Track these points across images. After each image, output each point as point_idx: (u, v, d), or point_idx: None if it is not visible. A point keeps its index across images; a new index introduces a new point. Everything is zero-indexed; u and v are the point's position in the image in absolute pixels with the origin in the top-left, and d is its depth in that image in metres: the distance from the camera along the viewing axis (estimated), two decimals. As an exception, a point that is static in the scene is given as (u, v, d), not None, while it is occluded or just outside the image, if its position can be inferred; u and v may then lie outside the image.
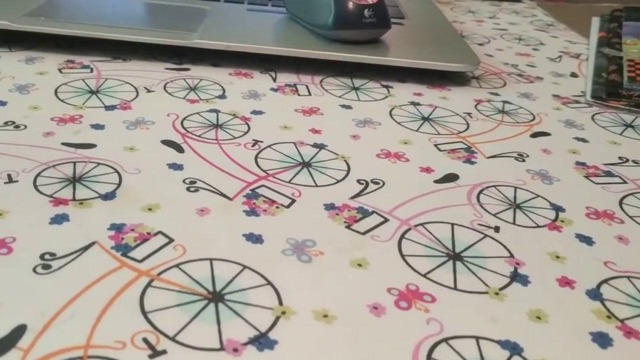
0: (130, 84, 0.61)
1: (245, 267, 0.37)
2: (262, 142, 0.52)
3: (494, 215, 0.44)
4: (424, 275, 0.38)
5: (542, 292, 0.37)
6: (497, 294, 0.37)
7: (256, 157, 0.49)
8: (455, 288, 0.37)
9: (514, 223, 0.44)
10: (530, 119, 0.62)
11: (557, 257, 0.40)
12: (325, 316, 0.33)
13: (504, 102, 0.66)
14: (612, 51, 0.79)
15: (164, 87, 0.61)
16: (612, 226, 0.45)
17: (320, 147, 0.52)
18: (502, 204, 0.46)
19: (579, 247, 0.42)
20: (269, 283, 0.35)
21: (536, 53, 0.84)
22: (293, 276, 0.36)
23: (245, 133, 0.53)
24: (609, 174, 0.52)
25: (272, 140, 0.52)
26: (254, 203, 0.43)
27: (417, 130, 0.57)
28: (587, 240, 0.43)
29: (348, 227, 0.41)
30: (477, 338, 0.33)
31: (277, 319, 0.33)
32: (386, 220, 0.43)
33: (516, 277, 0.38)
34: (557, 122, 0.62)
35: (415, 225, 0.42)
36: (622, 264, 0.40)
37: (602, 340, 0.34)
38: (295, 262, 0.37)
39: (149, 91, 0.59)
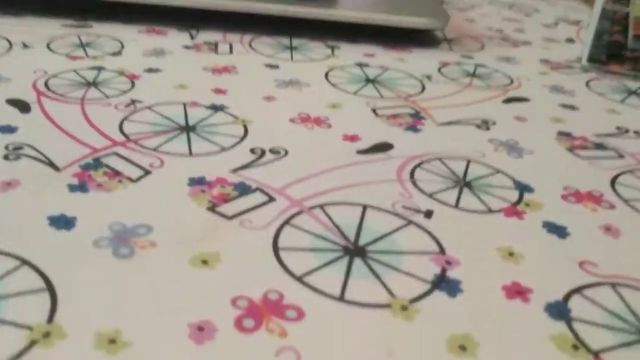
0: (7, 39, 0.49)
1: (25, 262, 0.24)
2: (141, 102, 0.39)
3: (430, 195, 0.31)
4: (299, 279, 0.25)
5: (478, 307, 0.24)
6: (404, 308, 0.24)
7: (123, 120, 0.37)
8: (341, 298, 0.24)
9: (456, 206, 0.31)
10: (507, 83, 0.49)
11: (511, 254, 0.27)
12: (113, 342, 0.21)
13: (478, 65, 0.52)
14: (617, 6, 0.66)
15: (48, 43, 0.49)
16: (598, 212, 0.31)
17: (217, 108, 0.39)
18: (445, 182, 0.33)
19: (546, 240, 0.29)
20: (49, 288, 0.23)
21: (528, 20, 0.71)
22: (91, 278, 0.24)
23: (125, 92, 0.41)
24: (600, 146, 0.39)
25: (156, 100, 0.40)
26: (90, 175, 0.30)
27: (354, 93, 0.44)
28: (559, 231, 0.30)
29: (211, 208, 0.29)
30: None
31: (31, 344, 0.20)
32: (272, 199, 0.30)
33: (441, 283, 0.25)
34: (541, 87, 0.49)
35: (311, 208, 0.29)
36: (606, 265, 0.27)
37: (559, 387, 0.21)
38: (107, 257, 0.25)
39: (25, 47, 0.47)
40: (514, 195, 0.33)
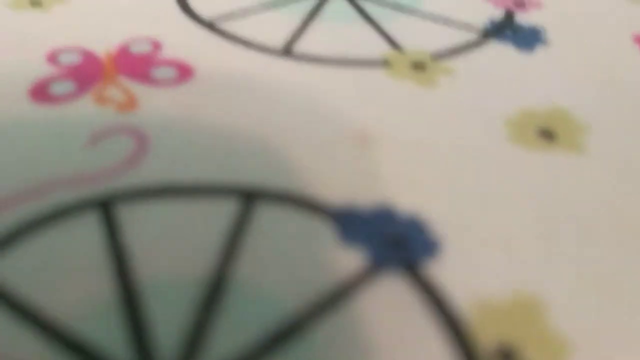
0: None
1: None
2: None
3: None
4: (209, 25, 0.12)
5: (576, 67, 0.11)
6: (419, 66, 0.11)
7: None
8: (286, 52, 0.11)
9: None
10: None
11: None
12: None
13: None
14: None
15: None
16: None
17: None
18: None
19: None
20: None
21: None
22: None
23: None
24: None
25: None
26: None
27: None
28: None
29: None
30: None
31: None
32: None
33: (503, 31, 0.12)
34: None
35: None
36: None
37: None
38: None
39: None
40: None
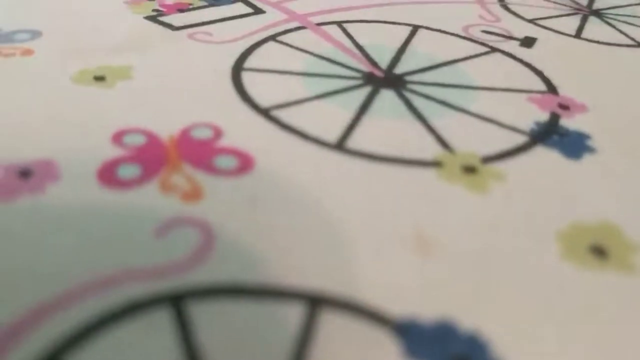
0: None
1: None
2: None
3: (530, 21, 0.18)
4: (264, 111, 0.13)
5: (628, 179, 0.11)
6: (470, 170, 0.11)
7: None
8: (339, 146, 0.12)
9: (576, 36, 0.18)
10: None
11: None
12: None
13: None
14: None
15: None
16: None
17: None
18: (559, 7, 0.20)
19: None
20: None
21: None
22: None
23: None
24: None
25: None
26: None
27: None
28: None
29: (153, 17, 0.17)
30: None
31: None
32: (258, 12, 0.18)
33: (549, 134, 0.13)
34: None
35: (321, 24, 0.17)
36: None
37: None
38: None
39: None
40: (679, 27, 0.19)
